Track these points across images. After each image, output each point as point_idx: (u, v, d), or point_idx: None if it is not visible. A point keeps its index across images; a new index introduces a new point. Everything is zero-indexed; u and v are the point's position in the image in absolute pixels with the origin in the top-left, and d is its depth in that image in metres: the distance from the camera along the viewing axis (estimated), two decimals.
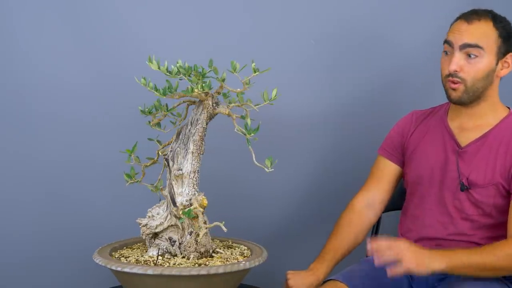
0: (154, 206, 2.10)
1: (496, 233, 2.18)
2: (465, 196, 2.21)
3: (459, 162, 2.23)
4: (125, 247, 2.19)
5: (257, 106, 2.02)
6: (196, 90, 1.95)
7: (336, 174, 2.75)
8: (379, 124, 2.58)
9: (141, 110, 2.07)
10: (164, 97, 1.98)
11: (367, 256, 2.30)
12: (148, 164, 2.12)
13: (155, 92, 1.97)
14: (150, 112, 2.07)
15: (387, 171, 2.39)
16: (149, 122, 2.08)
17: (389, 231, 2.51)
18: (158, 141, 2.12)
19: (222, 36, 2.68)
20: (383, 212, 2.46)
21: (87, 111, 2.64)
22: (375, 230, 2.57)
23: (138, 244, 2.21)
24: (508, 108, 2.29)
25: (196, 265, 1.98)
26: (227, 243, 2.21)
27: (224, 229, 1.93)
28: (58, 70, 2.61)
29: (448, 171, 2.25)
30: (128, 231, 2.28)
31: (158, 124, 2.08)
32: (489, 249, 2.09)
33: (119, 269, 1.92)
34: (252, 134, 1.98)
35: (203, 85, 1.95)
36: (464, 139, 2.24)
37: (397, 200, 2.46)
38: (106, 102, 2.65)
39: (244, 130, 1.99)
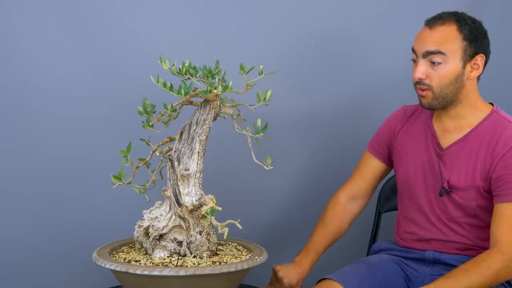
0: (153, 208, 2.10)
1: (487, 234, 2.19)
2: (447, 199, 2.26)
3: (441, 165, 2.27)
4: (123, 247, 2.19)
5: (252, 107, 2.05)
6: (215, 91, 1.97)
7: (333, 174, 2.78)
8: (373, 123, 2.60)
9: (141, 110, 2.06)
10: (184, 97, 1.98)
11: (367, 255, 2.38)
12: (139, 165, 2.12)
13: (173, 93, 1.97)
14: (153, 112, 2.06)
15: (371, 167, 2.46)
16: (145, 122, 2.07)
17: (389, 231, 2.57)
18: (148, 142, 2.13)
19: (215, 35, 2.72)
20: (384, 212, 2.51)
21: (86, 110, 2.67)
22: (374, 231, 2.63)
23: (129, 245, 2.21)
24: (492, 104, 2.30)
25: (217, 263, 2.00)
26: (220, 242, 2.23)
27: (239, 226, 1.96)
28: (58, 70, 2.64)
29: (432, 173, 2.29)
30: (124, 231, 2.29)
31: (151, 125, 2.08)
32: (475, 268, 2.09)
33: (145, 273, 1.90)
34: (261, 134, 2.01)
35: (219, 86, 1.97)
36: (446, 140, 2.29)
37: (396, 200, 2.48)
38: (105, 101, 2.67)
39: (243, 131, 2.03)
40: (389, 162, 2.45)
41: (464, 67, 2.21)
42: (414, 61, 2.25)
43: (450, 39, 2.20)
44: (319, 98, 2.84)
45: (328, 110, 2.85)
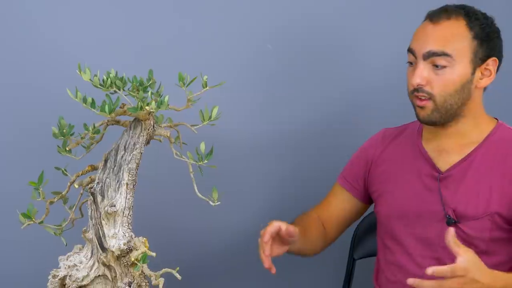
0: (71, 253, 1.99)
1: None
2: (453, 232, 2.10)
3: (441, 191, 2.14)
4: None
5: (195, 127, 1.97)
6: (148, 108, 1.87)
7: (293, 210, 2.62)
8: (346, 146, 2.54)
9: (56, 132, 1.94)
10: (109, 115, 1.89)
11: None
12: (54, 200, 2.01)
13: (95, 110, 1.87)
14: (71, 134, 1.95)
15: (341, 201, 2.37)
16: (60, 146, 1.97)
17: (364, 281, 2.50)
18: (65, 171, 2.02)
19: (148, 39, 2.60)
20: (358, 259, 2.47)
21: None
22: (348, 281, 2.58)
23: None
24: (496, 119, 2.20)
25: None
26: None
27: (178, 277, 1.87)
28: None
29: (428, 203, 2.16)
30: (35, 282, 2.15)
31: (69, 150, 1.99)
32: None
33: None
34: (205, 161, 1.93)
35: (153, 101, 1.87)
36: (444, 163, 2.17)
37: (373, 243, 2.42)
38: (11, 120, 2.53)
39: (183, 157, 1.95)
40: (365, 199, 2.35)
41: (473, 72, 2.09)
42: (411, 64, 2.12)
43: (457, 37, 2.07)
44: (279, 114, 2.75)
45: (292, 128, 2.77)
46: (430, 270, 1.80)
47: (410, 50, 2.12)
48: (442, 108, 2.09)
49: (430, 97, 2.09)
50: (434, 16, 2.11)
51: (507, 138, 2.15)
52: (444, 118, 2.11)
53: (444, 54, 2.06)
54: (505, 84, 2.27)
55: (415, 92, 2.10)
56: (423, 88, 2.08)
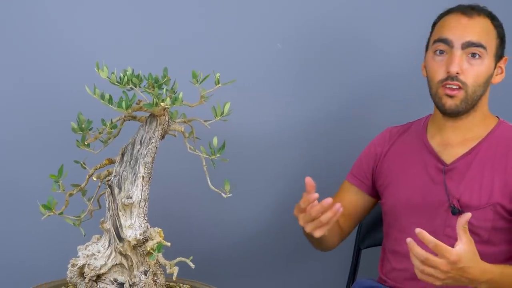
0: (89, 243, 2.02)
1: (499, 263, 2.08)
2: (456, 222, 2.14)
3: (446, 182, 2.18)
4: None
5: (208, 123, 1.98)
6: (163, 104, 1.88)
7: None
8: (355, 142, 2.56)
9: (75, 127, 1.96)
10: (125, 111, 1.89)
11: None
12: (73, 192, 2.02)
13: (113, 106, 1.88)
14: (90, 129, 1.97)
15: (352, 199, 2.37)
16: (79, 141, 1.99)
17: (368, 270, 2.53)
18: (83, 165, 2.04)
19: (164, 39, 2.62)
20: (364, 248, 2.47)
21: (8, 127, 2.56)
22: (354, 269, 2.59)
23: (61, 287, 2.11)
24: (497, 117, 2.26)
25: None
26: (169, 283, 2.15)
27: (192, 265, 1.87)
28: None
29: (433, 194, 2.20)
30: (56, 271, 2.19)
31: (87, 144, 2.00)
32: None
33: None
34: (218, 155, 1.95)
35: (167, 98, 1.88)
36: (449, 156, 2.21)
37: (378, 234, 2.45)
38: (32, 116, 2.56)
39: (196, 151, 1.96)
40: (374, 193, 2.38)
41: (494, 67, 2.17)
42: (441, 53, 2.16)
43: (488, 33, 2.16)
44: (289, 110, 2.77)
45: (301, 125, 2.77)
46: (418, 230, 1.84)
47: (442, 40, 2.16)
48: (470, 99, 2.15)
49: (463, 86, 2.13)
50: (466, 11, 2.17)
51: (508, 135, 2.20)
52: (467, 109, 2.17)
53: (480, 46, 2.13)
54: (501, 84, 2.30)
55: (448, 80, 2.13)
56: (458, 77, 2.12)
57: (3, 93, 2.55)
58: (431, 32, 2.25)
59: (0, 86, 2.55)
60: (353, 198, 2.37)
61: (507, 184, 2.13)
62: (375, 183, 2.36)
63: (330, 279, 2.78)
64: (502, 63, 2.20)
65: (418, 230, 1.83)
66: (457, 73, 2.11)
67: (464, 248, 1.85)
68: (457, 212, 2.15)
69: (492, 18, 2.18)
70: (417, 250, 1.85)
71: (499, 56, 2.18)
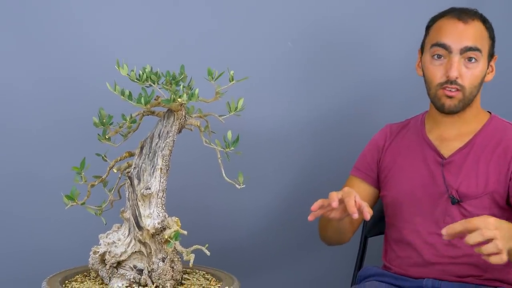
0: (110, 231, 2.05)
1: None
2: (457, 211, 2.21)
3: (445, 174, 2.23)
4: (76, 276, 2.13)
5: (222, 117, 2.00)
6: (180, 100, 1.91)
7: (312, 194, 2.62)
8: (357, 137, 2.59)
9: (96, 122, 2.00)
10: (144, 107, 1.93)
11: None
12: (95, 183, 2.06)
13: (132, 102, 1.92)
14: (110, 123, 2.01)
15: (359, 192, 2.30)
16: (101, 135, 2.02)
17: (373, 257, 2.55)
18: (104, 157, 2.08)
19: (180, 37, 2.66)
20: (370, 236, 2.47)
21: (33, 122, 2.60)
22: (360, 257, 2.59)
23: (84, 273, 2.16)
24: (489, 112, 2.30)
25: None
26: (186, 270, 2.19)
27: (207, 252, 1.91)
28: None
29: (433, 186, 2.24)
30: (78, 258, 2.23)
31: (108, 138, 2.03)
32: None
33: None
34: (232, 148, 1.98)
35: (184, 94, 1.91)
36: (446, 150, 2.26)
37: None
38: (56, 111, 2.60)
39: (212, 144, 1.99)
40: (378, 185, 2.40)
41: (487, 67, 2.22)
42: (439, 57, 2.20)
43: (482, 36, 2.21)
44: (298, 106, 2.79)
45: (310, 120, 2.80)
46: (444, 231, 1.85)
47: (440, 45, 2.19)
48: (467, 99, 2.20)
49: (461, 89, 2.18)
50: (462, 16, 2.20)
51: (500, 128, 2.25)
52: (464, 107, 2.21)
53: (477, 49, 2.17)
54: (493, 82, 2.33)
55: (447, 84, 2.18)
56: (457, 81, 2.17)
57: (30, 90, 2.59)
58: (426, 35, 2.28)
59: (27, 84, 2.58)
60: (360, 191, 2.33)
61: (501, 173, 2.18)
62: (379, 175, 2.38)
63: (338, 267, 2.78)
64: (493, 62, 2.25)
65: (444, 232, 1.85)
66: (457, 77, 2.16)
67: (490, 217, 1.87)
68: (456, 201, 2.20)
69: (484, 20, 2.22)
70: (456, 226, 1.86)
71: (491, 55, 2.22)
